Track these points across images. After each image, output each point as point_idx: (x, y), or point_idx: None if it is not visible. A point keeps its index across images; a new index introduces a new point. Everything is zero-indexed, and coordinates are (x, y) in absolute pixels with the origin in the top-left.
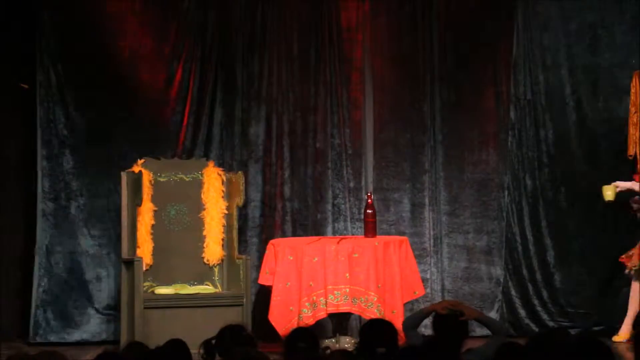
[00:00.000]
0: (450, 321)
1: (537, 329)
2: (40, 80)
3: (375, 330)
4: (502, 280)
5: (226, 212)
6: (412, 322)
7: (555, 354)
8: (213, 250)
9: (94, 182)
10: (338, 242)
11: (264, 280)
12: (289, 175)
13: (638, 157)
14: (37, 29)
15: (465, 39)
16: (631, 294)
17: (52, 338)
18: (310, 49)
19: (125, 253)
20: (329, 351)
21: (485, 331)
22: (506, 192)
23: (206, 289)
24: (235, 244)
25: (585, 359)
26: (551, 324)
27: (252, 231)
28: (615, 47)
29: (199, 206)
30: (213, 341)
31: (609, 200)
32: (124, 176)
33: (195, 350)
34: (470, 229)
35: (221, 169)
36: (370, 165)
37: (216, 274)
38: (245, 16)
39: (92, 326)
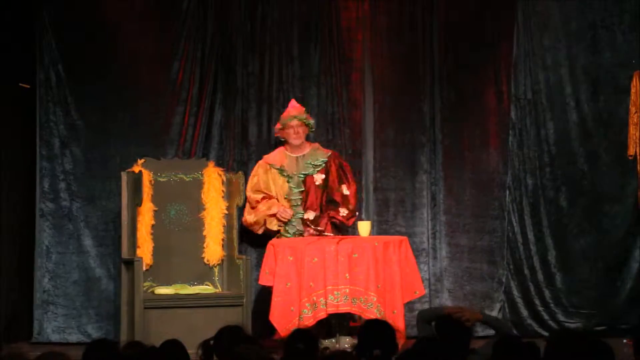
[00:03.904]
0: (454, 323)
1: (539, 329)
2: (41, 80)
3: (373, 331)
4: (503, 280)
5: (226, 212)
6: (425, 316)
7: (565, 354)
8: (213, 250)
9: (94, 182)
10: (338, 243)
11: (264, 280)
12: None
13: (638, 157)
14: (37, 29)
15: (465, 39)
16: None
17: (53, 338)
18: (310, 49)
19: (125, 253)
20: (328, 351)
21: (488, 331)
22: (507, 192)
23: (206, 289)
24: (235, 244)
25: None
26: (553, 324)
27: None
28: (615, 47)
29: (199, 206)
30: (211, 342)
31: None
32: (124, 176)
33: (194, 351)
34: (471, 228)
35: (221, 169)
36: (370, 165)
37: (216, 274)
38: (245, 16)
39: (92, 326)
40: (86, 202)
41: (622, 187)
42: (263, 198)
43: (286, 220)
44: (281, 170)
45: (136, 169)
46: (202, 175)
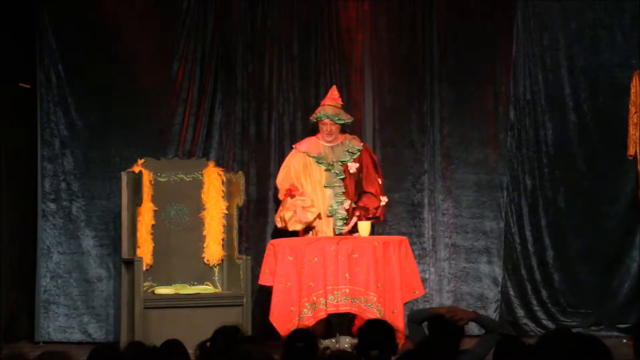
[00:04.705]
0: (446, 323)
1: (535, 329)
2: (41, 80)
3: (373, 331)
4: (500, 280)
5: (226, 212)
6: (417, 317)
7: (559, 353)
8: (213, 250)
9: (94, 183)
10: (338, 243)
11: (264, 280)
12: None
13: (638, 157)
14: (37, 29)
15: (465, 39)
16: None
17: (54, 338)
18: (310, 49)
19: (125, 253)
20: (329, 351)
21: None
22: (505, 192)
23: (206, 289)
24: (235, 244)
25: (584, 358)
26: (550, 323)
27: (253, 231)
28: (615, 47)
29: (199, 206)
30: (208, 343)
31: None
32: (124, 176)
33: (194, 351)
34: (470, 229)
35: (221, 169)
36: None
37: (216, 274)
38: (245, 16)
39: (92, 326)
40: (87, 202)
41: (620, 187)
42: (287, 192)
43: (305, 222)
44: (318, 159)
45: (136, 169)
46: (202, 175)
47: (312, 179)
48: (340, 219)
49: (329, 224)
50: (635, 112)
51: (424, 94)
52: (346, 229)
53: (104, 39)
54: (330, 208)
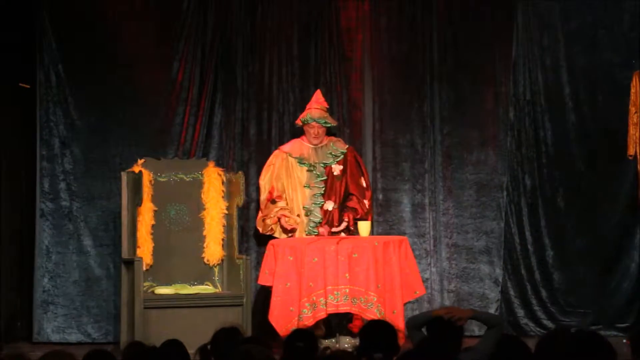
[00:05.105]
0: (445, 323)
1: (535, 329)
2: (40, 80)
3: (375, 332)
4: (500, 280)
5: (226, 212)
6: (415, 322)
7: (561, 352)
8: (213, 250)
9: (94, 182)
10: (338, 243)
11: (263, 280)
12: None
13: (638, 157)
14: (37, 29)
15: (465, 39)
16: None
17: (53, 338)
18: (310, 49)
19: (125, 253)
20: (329, 351)
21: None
22: (505, 193)
23: (206, 289)
24: (236, 244)
25: (586, 355)
26: (550, 323)
27: (253, 231)
28: (615, 47)
29: (199, 206)
30: (208, 346)
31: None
32: (124, 176)
33: (194, 351)
34: (470, 229)
35: (221, 169)
36: (370, 165)
37: (216, 274)
38: (245, 16)
39: (92, 326)
40: (86, 202)
41: (619, 187)
42: (269, 196)
43: (289, 228)
44: (300, 160)
45: (136, 169)
46: (202, 175)
47: (293, 180)
48: (314, 221)
49: (302, 224)
50: (635, 112)
51: (424, 94)
52: (337, 229)
53: (104, 39)
54: (306, 207)
